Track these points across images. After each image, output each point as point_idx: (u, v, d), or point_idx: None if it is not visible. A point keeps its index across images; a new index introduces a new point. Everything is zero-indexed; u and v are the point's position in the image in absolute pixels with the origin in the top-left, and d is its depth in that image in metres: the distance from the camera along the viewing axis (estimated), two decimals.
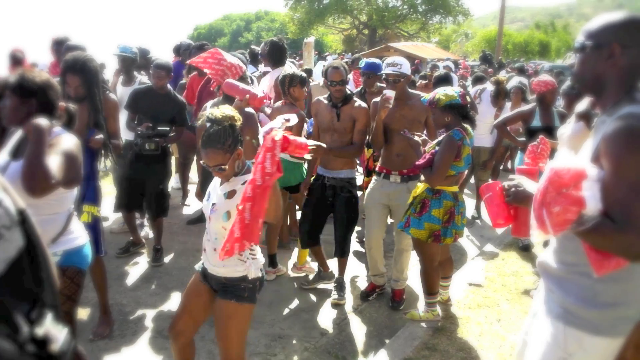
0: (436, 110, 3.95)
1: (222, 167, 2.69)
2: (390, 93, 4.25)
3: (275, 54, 5.99)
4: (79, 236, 2.87)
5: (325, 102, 4.63)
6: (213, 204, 2.83)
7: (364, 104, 4.57)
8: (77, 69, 3.81)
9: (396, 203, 4.54)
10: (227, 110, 2.77)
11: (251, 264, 2.85)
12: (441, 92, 3.95)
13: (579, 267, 1.85)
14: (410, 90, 4.67)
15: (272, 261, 5.19)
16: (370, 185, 4.78)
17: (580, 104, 5.02)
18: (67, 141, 2.63)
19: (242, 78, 4.45)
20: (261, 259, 2.97)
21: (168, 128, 5.16)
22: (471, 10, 45.24)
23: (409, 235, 4.24)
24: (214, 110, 2.76)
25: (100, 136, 3.93)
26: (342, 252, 4.79)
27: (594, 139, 1.80)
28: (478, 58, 26.92)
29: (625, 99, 1.77)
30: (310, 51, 11.26)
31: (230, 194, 2.78)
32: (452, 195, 4.06)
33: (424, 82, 8.59)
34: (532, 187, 1.96)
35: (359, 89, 6.36)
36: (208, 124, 2.72)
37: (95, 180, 4.05)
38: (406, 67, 4.51)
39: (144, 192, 5.33)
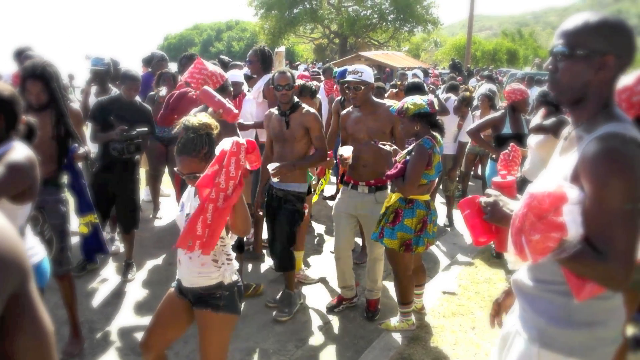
0: (405, 119, 3.96)
1: (197, 175, 2.65)
2: (347, 153, 4.27)
3: (266, 61, 6.02)
4: (35, 253, 2.78)
5: (276, 112, 4.58)
6: (189, 214, 2.78)
7: (312, 110, 4.48)
8: (37, 74, 3.69)
9: (364, 214, 4.52)
10: (204, 118, 2.76)
11: (226, 268, 2.83)
12: (409, 102, 3.96)
13: (554, 286, 1.77)
14: (376, 99, 4.62)
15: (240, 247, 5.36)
16: (338, 196, 4.76)
17: (535, 118, 5.13)
18: (14, 153, 2.49)
19: (223, 87, 4.44)
20: (235, 263, 2.94)
21: (146, 129, 5.05)
22: (440, 19, 45.82)
23: (381, 245, 4.23)
24: (191, 117, 2.74)
25: (82, 150, 3.90)
26: (280, 267, 4.68)
27: (571, 156, 1.71)
28: (448, 66, 27.26)
29: (602, 114, 1.70)
30: (281, 61, 11.23)
31: None
32: (425, 204, 4.07)
33: (394, 90, 8.65)
34: (510, 205, 1.87)
35: (338, 98, 6.49)
36: (184, 131, 2.70)
37: (84, 194, 4.14)
38: (367, 75, 4.43)
39: (113, 203, 5.24)
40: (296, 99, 4.52)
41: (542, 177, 1.80)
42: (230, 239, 2.88)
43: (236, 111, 4.09)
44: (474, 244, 2.16)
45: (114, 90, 5.94)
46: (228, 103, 4.07)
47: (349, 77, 4.43)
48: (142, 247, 5.94)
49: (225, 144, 2.53)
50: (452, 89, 8.26)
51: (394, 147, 4.17)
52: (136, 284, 5.20)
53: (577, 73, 1.68)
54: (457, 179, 7.72)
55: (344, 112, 4.71)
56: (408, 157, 3.92)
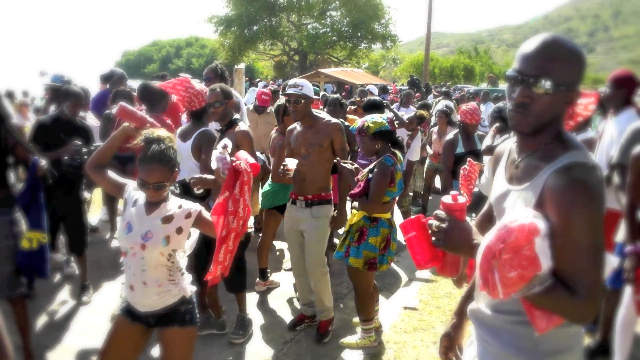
0: (365, 138, 3.99)
1: (165, 183, 2.71)
2: (290, 164, 4.23)
3: (224, 78, 5.97)
4: None
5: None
6: (146, 232, 2.73)
7: (245, 128, 4.32)
8: None
9: (303, 228, 4.48)
10: (164, 132, 2.77)
11: (183, 282, 2.84)
12: (370, 120, 3.99)
13: (517, 316, 1.71)
14: (315, 113, 4.51)
15: (262, 274, 5.62)
16: (285, 212, 4.73)
17: (487, 139, 5.26)
18: None
19: (206, 108, 4.51)
20: (188, 275, 2.93)
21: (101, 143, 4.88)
22: (398, 35, 46.51)
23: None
24: (150, 131, 2.75)
25: (44, 162, 3.80)
26: (230, 289, 4.55)
27: (531, 187, 1.66)
28: (406, 82, 27.66)
29: (557, 142, 1.68)
30: (240, 78, 11.29)
31: (166, 219, 2.75)
32: (388, 222, 4.10)
33: (352, 107, 8.73)
34: (464, 231, 1.74)
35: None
36: (148, 143, 2.69)
37: (39, 207, 3.97)
38: (308, 89, 4.36)
39: (60, 224, 5.10)
40: (237, 116, 4.38)
41: (512, 210, 1.71)
42: (184, 254, 2.87)
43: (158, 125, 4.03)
44: (417, 268, 1.95)
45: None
46: (149, 118, 3.92)
47: (289, 90, 4.36)
48: (98, 269, 5.79)
49: (217, 152, 2.76)
50: (423, 107, 8.47)
51: (355, 165, 4.19)
52: (92, 307, 5.07)
53: (552, 106, 1.64)
54: (409, 194, 7.85)
55: (289, 128, 4.68)
56: (370, 175, 3.94)
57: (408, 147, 7.28)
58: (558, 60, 1.60)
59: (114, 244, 6.86)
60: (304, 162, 4.33)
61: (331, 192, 4.50)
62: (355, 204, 4.16)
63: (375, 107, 6.25)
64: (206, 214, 2.83)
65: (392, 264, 5.02)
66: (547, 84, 1.58)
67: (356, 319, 4.56)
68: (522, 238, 1.48)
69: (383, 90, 14.65)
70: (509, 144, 1.92)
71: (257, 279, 5.60)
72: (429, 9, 31.41)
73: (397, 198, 4.27)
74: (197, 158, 4.44)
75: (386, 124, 3.98)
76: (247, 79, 21.71)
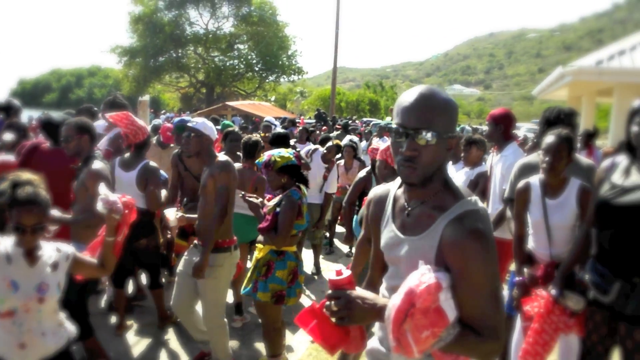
0: (272, 172, 3.99)
1: (43, 225, 2.58)
2: (170, 215, 4.16)
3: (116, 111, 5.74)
4: None
5: None
6: (39, 285, 2.57)
7: (97, 167, 3.91)
8: None
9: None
10: (31, 175, 2.65)
11: (66, 322, 2.78)
12: (277, 154, 4.00)
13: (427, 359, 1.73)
14: (214, 153, 4.18)
15: (238, 309, 5.41)
16: (186, 253, 4.42)
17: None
18: None
19: (146, 142, 4.84)
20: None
21: None
22: (305, 68, 47.41)
23: (218, 317, 4.12)
24: (17, 174, 2.61)
25: None
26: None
27: (427, 238, 1.70)
28: (313, 116, 28.09)
29: (445, 191, 1.74)
30: (145, 110, 11.00)
31: (54, 266, 2.65)
32: (295, 255, 4.09)
33: None
34: (365, 300, 1.73)
35: (175, 151, 6.13)
36: (17, 185, 2.53)
37: None
38: (203, 126, 4.09)
39: None
40: (98, 151, 4.16)
41: (409, 259, 1.75)
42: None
43: None
44: (330, 353, 1.89)
45: None
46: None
47: (190, 124, 4.17)
48: None
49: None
50: (324, 140, 8.51)
51: (260, 199, 4.17)
52: None
53: (437, 155, 1.67)
54: (324, 227, 7.85)
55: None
56: (278, 209, 3.94)
57: (325, 180, 7.27)
58: (437, 111, 1.64)
59: None
60: (200, 204, 4.16)
61: (234, 238, 4.24)
62: (260, 238, 4.11)
63: (281, 140, 6.26)
64: (81, 255, 2.80)
65: (302, 296, 4.99)
66: (430, 135, 1.62)
67: (264, 356, 4.49)
68: (428, 299, 1.53)
69: (292, 123, 14.78)
70: (387, 188, 1.97)
71: (234, 315, 5.37)
72: (335, 43, 32.21)
73: (303, 231, 4.28)
74: (142, 189, 4.67)
75: (293, 159, 4.01)
76: (151, 110, 21.27)
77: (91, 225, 3.70)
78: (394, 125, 1.71)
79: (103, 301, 5.56)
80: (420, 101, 1.65)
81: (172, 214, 4.22)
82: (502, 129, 4.52)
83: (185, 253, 4.37)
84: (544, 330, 3.22)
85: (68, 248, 2.74)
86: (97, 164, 3.93)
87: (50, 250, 2.68)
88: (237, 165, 5.14)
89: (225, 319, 4.26)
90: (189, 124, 4.15)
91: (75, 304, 3.43)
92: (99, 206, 2.75)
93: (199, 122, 4.14)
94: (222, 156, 4.18)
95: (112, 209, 2.73)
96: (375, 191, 2.04)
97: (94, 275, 2.89)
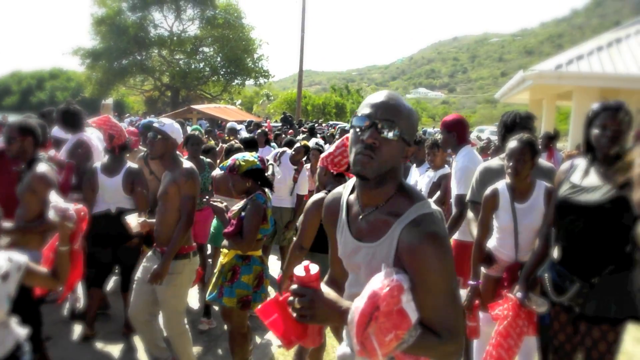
0: (236, 176, 3.97)
1: None
2: (132, 221, 4.10)
3: (69, 121, 5.55)
4: None
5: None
6: None
7: (42, 170, 3.82)
8: None
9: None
10: None
11: (12, 325, 2.65)
12: (241, 159, 3.98)
13: None
14: (180, 159, 4.10)
15: (207, 312, 5.41)
16: (144, 260, 4.32)
17: None
18: None
19: (126, 144, 4.97)
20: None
21: None
22: (271, 71, 47.30)
23: (178, 324, 4.07)
24: None
25: None
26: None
27: (385, 243, 1.72)
28: (279, 119, 28.05)
29: (400, 195, 1.76)
30: (108, 113, 10.84)
31: (4, 277, 2.51)
32: (260, 260, 4.08)
33: (224, 145, 8.68)
34: (329, 301, 1.73)
35: (141, 155, 6.12)
36: None
37: None
38: (171, 128, 3.98)
39: None
40: (43, 154, 4.02)
41: (368, 265, 1.77)
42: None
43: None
44: (286, 347, 1.90)
45: None
46: None
47: (155, 124, 4.05)
48: None
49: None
50: (289, 144, 8.49)
51: (225, 203, 4.15)
52: None
53: (395, 154, 1.70)
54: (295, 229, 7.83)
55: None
56: (243, 214, 3.92)
57: (295, 182, 7.24)
58: (402, 113, 1.70)
59: None
60: (158, 209, 4.06)
61: (194, 244, 4.17)
62: (225, 243, 4.08)
63: (250, 144, 6.25)
64: (34, 265, 2.68)
65: None
66: (394, 131, 1.67)
67: None
68: (391, 302, 1.55)
69: (257, 126, 14.74)
70: (340, 192, 1.99)
71: (202, 318, 5.37)
72: (301, 47, 32.27)
73: (268, 235, 4.27)
74: (128, 192, 4.85)
75: (257, 163, 4.00)
76: (115, 113, 20.97)
77: (40, 232, 3.64)
78: (358, 117, 1.72)
79: (65, 309, 5.45)
80: (389, 99, 1.72)
81: (134, 220, 4.15)
82: (455, 135, 4.58)
83: (144, 260, 4.26)
84: (509, 334, 3.26)
85: (20, 258, 2.60)
86: (42, 167, 3.82)
87: (1, 260, 2.54)
88: (218, 172, 5.19)
89: (187, 326, 4.21)
90: (155, 125, 4.01)
91: (26, 314, 3.14)
92: (51, 214, 2.68)
93: (167, 123, 4.03)
94: (186, 162, 4.11)
95: (65, 217, 2.67)
96: (329, 199, 2.04)
97: (47, 286, 2.79)
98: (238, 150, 5.51)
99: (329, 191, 3.85)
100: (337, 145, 3.73)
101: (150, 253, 4.21)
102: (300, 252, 3.74)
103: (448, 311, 1.64)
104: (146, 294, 4.07)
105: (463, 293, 3.73)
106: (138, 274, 4.21)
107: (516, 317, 3.24)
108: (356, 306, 1.61)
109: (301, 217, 3.83)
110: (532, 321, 3.24)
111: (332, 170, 3.76)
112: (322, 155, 3.91)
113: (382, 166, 1.70)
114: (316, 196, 3.78)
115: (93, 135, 5.60)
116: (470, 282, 3.70)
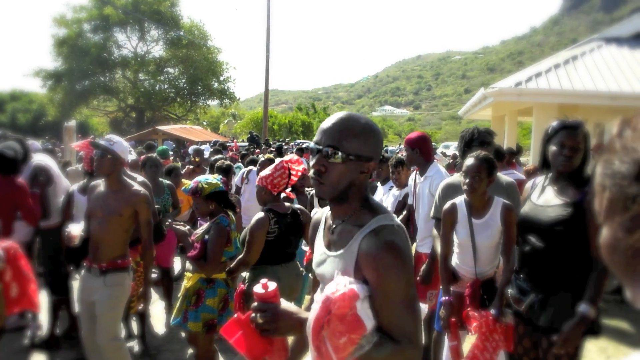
0: (199, 199, 3.94)
1: None
2: (74, 231, 4.04)
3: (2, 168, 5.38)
4: None
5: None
6: None
7: (19, 183, 3.93)
8: None
9: (95, 298, 3.97)
10: None
11: None
12: (204, 181, 3.96)
13: None
14: (126, 180, 4.12)
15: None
16: (79, 281, 4.25)
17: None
18: None
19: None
20: None
21: None
22: (237, 94, 47.22)
23: (114, 338, 3.95)
24: None
25: None
26: None
27: (347, 252, 1.77)
28: (246, 139, 28.00)
29: (365, 208, 1.82)
30: (71, 135, 10.69)
31: None
32: (225, 283, 4.05)
33: (191, 167, 8.63)
34: (289, 313, 1.79)
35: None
36: None
37: None
38: (120, 147, 3.97)
39: None
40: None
41: (330, 276, 1.81)
42: None
43: None
44: None
45: None
46: None
47: (101, 141, 4.03)
48: None
49: None
50: (252, 162, 8.48)
51: (188, 227, 4.11)
52: None
53: (345, 175, 1.76)
54: None
55: (92, 183, 4.27)
56: (206, 237, 3.89)
57: None
58: (350, 135, 1.75)
59: None
60: (98, 226, 3.98)
61: (129, 259, 4.14)
62: (189, 266, 4.04)
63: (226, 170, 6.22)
64: None
65: None
66: (337, 155, 1.73)
67: None
68: (344, 306, 1.58)
69: (222, 146, 14.69)
70: (326, 210, 2.04)
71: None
72: (266, 66, 32.31)
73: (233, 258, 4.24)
74: None
75: (220, 185, 3.98)
76: (79, 135, 20.63)
77: None
78: (312, 144, 1.82)
79: (26, 338, 5.30)
80: (335, 124, 1.78)
81: (77, 230, 4.06)
82: (419, 152, 4.63)
83: (80, 279, 4.17)
84: (486, 348, 3.29)
85: None
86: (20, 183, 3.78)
87: None
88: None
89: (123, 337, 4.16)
90: (103, 143, 3.96)
91: None
92: None
93: (116, 141, 3.98)
94: (137, 185, 4.10)
95: None
96: (317, 214, 2.12)
97: None
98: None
99: (269, 210, 3.95)
100: (276, 166, 3.91)
101: (84, 272, 4.11)
102: (245, 268, 3.94)
103: (406, 318, 1.68)
104: (91, 314, 4.01)
105: (424, 307, 3.75)
106: (78, 296, 4.14)
107: (492, 333, 3.27)
108: (312, 312, 1.66)
109: (246, 236, 3.90)
110: (509, 336, 3.27)
111: (271, 190, 3.88)
112: (262, 174, 3.99)
113: (335, 187, 1.78)
114: (258, 215, 3.94)
115: (46, 158, 5.48)
116: (443, 298, 3.71)
